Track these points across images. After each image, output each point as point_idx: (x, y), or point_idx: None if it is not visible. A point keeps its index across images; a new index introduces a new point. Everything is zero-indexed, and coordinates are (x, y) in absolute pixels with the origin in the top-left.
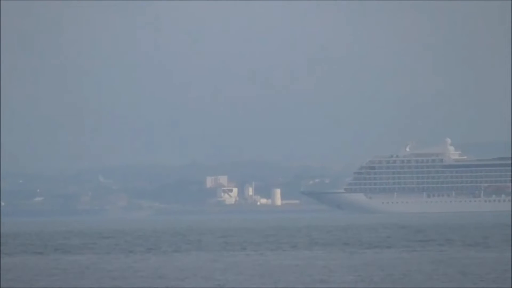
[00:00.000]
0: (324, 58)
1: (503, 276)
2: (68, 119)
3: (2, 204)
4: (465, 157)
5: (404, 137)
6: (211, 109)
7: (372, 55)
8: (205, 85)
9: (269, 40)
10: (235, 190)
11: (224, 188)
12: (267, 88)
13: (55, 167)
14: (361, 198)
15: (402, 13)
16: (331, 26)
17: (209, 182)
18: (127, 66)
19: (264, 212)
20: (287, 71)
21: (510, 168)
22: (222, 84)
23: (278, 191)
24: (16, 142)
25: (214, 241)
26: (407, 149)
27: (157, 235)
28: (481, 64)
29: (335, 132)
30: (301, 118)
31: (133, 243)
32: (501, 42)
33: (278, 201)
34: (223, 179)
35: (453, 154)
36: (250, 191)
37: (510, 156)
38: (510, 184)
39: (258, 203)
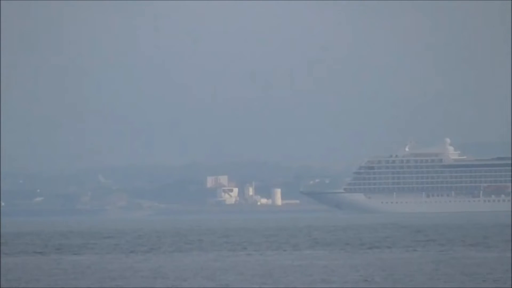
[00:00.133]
0: (324, 58)
1: (504, 276)
2: (68, 119)
3: (2, 204)
4: (464, 157)
5: (404, 137)
6: (211, 109)
7: (372, 55)
8: (205, 85)
9: (269, 40)
10: (235, 190)
11: (224, 188)
12: (267, 88)
13: (55, 167)
14: (360, 198)
15: (402, 13)
16: (331, 26)
17: (209, 182)
18: (127, 66)
19: (264, 212)
20: (287, 71)
21: (509, 168)
22: (222, 84)
23: (278, 191)
24: (16, 142)
25: (214, 241)
26: (407, 149)
27: (157, 235)
28: (481, 64)
29: (335, 132)
30: (301, 118)
31: (133, 243)
32: (501, 42)
33: (279, 201)
34: (223, 179)
35: (452, 154)
36: (250, 191)
37: (509, 156)
38: (509, 184)
39: (258, 203)
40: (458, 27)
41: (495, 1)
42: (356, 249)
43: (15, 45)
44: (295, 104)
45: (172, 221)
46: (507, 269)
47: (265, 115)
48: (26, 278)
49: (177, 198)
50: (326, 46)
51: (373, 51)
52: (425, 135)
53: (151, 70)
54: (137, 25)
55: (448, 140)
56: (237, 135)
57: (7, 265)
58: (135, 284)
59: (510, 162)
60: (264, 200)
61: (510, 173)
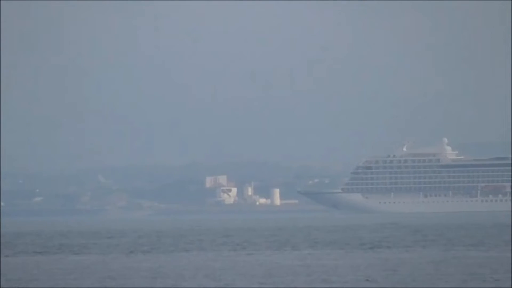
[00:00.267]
0: (324, 58)
1: (504, 276)
2: (68, 119)
3: (2, 204)
4: (462, 157)
5: (404, 137)
6: (211, 109)
7: (372, 55)
8: (205, 85)
9: (269, 40)
10: (234, 190)
11: (223, 188)
12: (267, 88)
13: (55, 167)
14: (358, 198)
15: (402, 13)
16: (331, 26)
17: (209, 182)
18: (127, 66)
19: (263, 212)
20: (287, 71)
21: (507, 168)
22: (222, 84)
23: (277, 191)
24: (16, 142)
25: (214, 241)
26: (404, 149)
27: (157, 235)
28: (481, 64)
29: (335, 132)
30: (301, 118)
31: (133, 243)
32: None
33: (277, 201)
34: (223, 179)
35: (450, 154)
36: (250, 191)
37: (509, 156)
38: (506, 184)
39: (257, 203)
40: (458, 27)
41: (495, 1)
42: (356, 249)
43: (15, 45)
44: (295, 104)
45: (172, 221)
46: (507, 269)
47: (265, 115)
48: (26, 278)
49: (177, 198)
50: (326, 46)
51: (373, 51)
52: (425, 135)
53: (151, 70)
54: (137, 25)
55: (445, 140)
56: (237, 135)
57: (7, 265)
58: (135, 284)
59: (508, 162)
60: (263, 200)
61: (509, 173)
